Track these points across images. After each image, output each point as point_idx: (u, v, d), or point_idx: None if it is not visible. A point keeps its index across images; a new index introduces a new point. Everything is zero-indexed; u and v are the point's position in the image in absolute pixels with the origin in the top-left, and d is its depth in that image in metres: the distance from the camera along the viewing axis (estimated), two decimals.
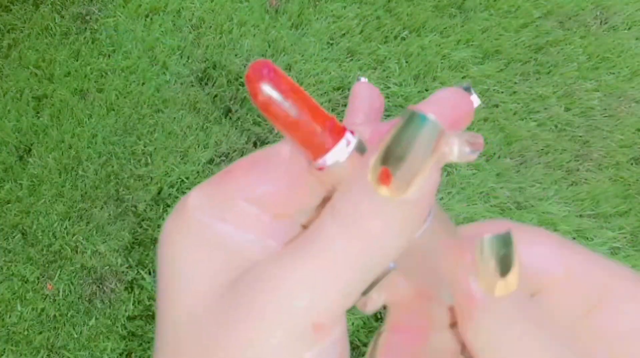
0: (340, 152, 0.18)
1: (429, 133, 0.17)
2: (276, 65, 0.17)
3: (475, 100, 0.21)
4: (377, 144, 0.18)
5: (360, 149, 0.19)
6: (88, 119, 1.31)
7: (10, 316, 1.12)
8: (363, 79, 0.21)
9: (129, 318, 1.11)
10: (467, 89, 0.21)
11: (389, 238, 0.18)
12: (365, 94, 0.24)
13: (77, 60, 1.39)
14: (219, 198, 0.20)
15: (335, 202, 0.19)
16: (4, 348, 1.09)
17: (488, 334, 0.20)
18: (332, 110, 1.24)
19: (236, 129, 1.25)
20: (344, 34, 1.35)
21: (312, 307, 0.18)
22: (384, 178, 0.17)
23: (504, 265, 0.20)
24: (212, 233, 0.19)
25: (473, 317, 0.21)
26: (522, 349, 0.20)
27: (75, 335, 1.10)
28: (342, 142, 0.18)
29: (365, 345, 1.00)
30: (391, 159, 0.17)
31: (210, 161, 1.24)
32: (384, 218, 0.18)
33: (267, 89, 0.17)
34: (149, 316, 1.12)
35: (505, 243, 0.20)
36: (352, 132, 0.19)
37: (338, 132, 0.18)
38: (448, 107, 0.20)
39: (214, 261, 0.19)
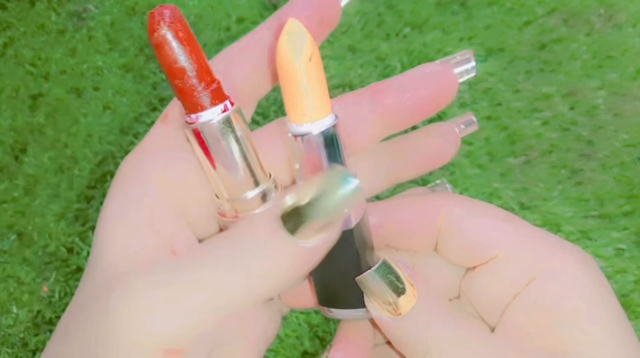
0: (213, 115, 0.18)
1: (349, 199, 0.17)
2: (182, 14, 0.18)
3: None
4: (297, 188, 0.18)
5: (229, 120, 0.19)
6: (84, 117, 1.30)
7: (6, 318, 1.11)
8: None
9: None
10: None
11: (272, 280, 0.18)
12: None
13: (73, 58, 1.38)
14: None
15: (233, 230, 0.18)
16: (0, 351, 1.08)
17: (409, 346, 0.21)
18: None
19: None
20: (345, 31, 1.35)
21: (164, 333, 0.17)
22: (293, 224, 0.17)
23: (396, 287, 0.21)
24: None
25: (391, 338, 0.22)
26: (444, 351, 0.20)
27: None
28: (219, 107, 0.18)
29: None
30: (307, 210, 0.17)
31: None
32: (275, 260, 0.17)
33: (164, 30, 0.17)
34: None
35: (387, 271, 0.21)
36: (232, 103, 0.19)
37: (219, 97, 0.18)
38: (312, 8, 0.22)
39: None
